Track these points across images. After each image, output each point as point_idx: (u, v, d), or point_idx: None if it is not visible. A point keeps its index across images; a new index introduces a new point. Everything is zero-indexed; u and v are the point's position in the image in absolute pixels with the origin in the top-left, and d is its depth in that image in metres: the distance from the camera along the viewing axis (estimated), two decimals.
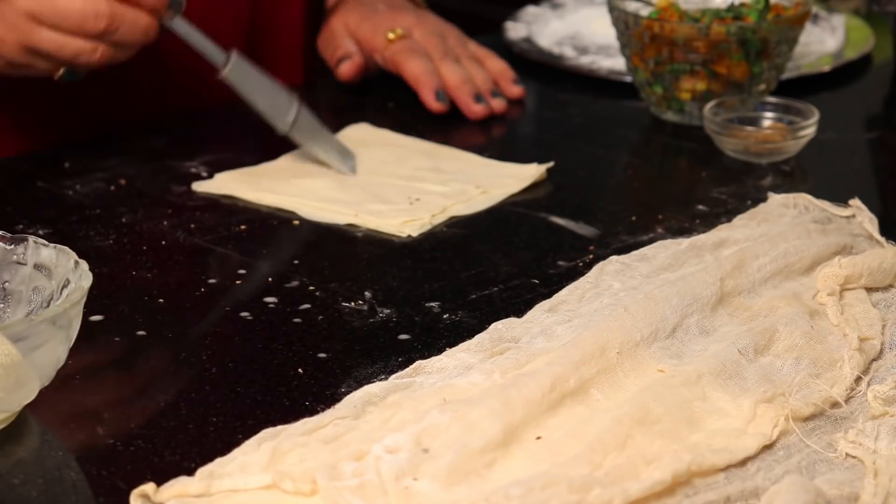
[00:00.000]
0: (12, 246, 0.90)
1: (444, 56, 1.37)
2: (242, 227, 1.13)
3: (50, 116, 1.34)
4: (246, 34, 1.41)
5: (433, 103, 1.34)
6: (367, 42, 1.40)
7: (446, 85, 1.35)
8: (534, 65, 1.48)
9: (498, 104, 1.36)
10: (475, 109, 1.34)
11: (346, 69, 1.40)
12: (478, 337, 0.92)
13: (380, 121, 1.33)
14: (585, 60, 1.49)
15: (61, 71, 1.18)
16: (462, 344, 0.92)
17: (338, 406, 0.84)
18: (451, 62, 1.37)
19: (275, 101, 1.22)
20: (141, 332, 0.96)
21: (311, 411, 0.85)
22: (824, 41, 1.54)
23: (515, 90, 1.39)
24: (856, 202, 1.10)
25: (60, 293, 0.87)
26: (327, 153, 1.22)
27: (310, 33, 1.48)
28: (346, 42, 1.42)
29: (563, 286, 0.99)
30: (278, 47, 1.45)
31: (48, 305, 0.87)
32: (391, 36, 1.39)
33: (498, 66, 1.40)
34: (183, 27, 1.19)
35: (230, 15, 1.39)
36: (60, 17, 1.13)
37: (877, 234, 1.06)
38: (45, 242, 0.89)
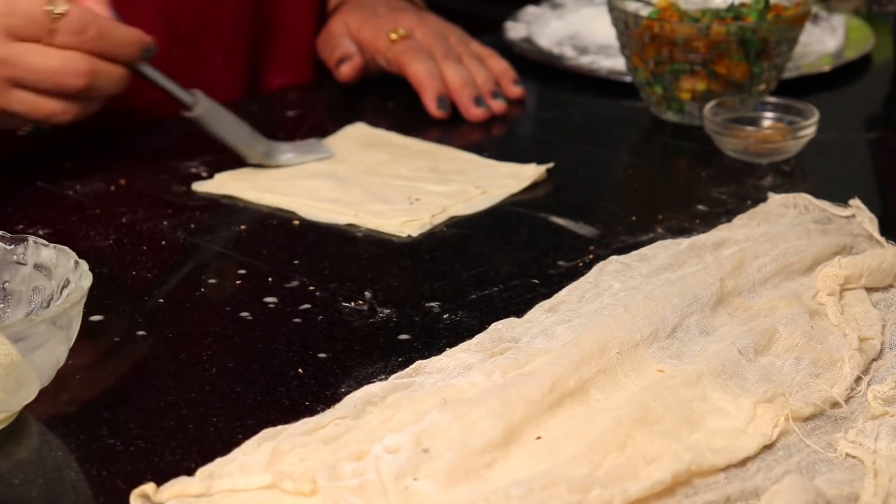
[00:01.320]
0: (12, 246, 0.90)
1: (446, 56, 1.37)
2: (242, 227, 1.13)
3: None
4: (247, 31, 1.41)
5: (435, 111, 1.34)
6: (369, 44, 1.40)
7: (448, 86, 1.35)
8: (534, 65, 1.48)
9: (498, 106, 1.36)
10: (475, 113, 1.34)
11: (346, 70, 1.40)
12: (478, 337, 0.92)
13: (379, 121, 1.33)
14: (585, 60, 1.50)
15: (28, 127, 1.16)
16: (462, 344, 0.92)
17: (338, 406, 0.84)
18: (452, 62, 1.37)
19: (242, 136, 1.21)
20: (141, 332, 0.96)
21: (311, 411, 0.85)
22: (824, 41, 1.54)
23: (515, 91, 1.39)
24: (856, 202, 1.10)
25: (60, 293, 0.87)
26: (304, 158, 1.24)
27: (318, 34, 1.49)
28: (345, 42, 1.42)
29: (563, 286, 0.99)
30: (286, 46, 1.45)
31: (48, 305, 0.87)
32: (393, 37, 1.39)
33: (500, 65, 1.41)
34: (150, 71, 1.18)
35: (229, 8, 1.38)
36: (40, 78, 1.10)
37: (877, 234, 1.06)
38: (45, 242, 0.89)
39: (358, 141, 1.29)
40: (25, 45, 1.10)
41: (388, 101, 1.39)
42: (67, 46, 1.10)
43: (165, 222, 1.13)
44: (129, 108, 1.33)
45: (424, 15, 1.44)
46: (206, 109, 1.20)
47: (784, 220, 1.08)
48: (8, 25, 1.09)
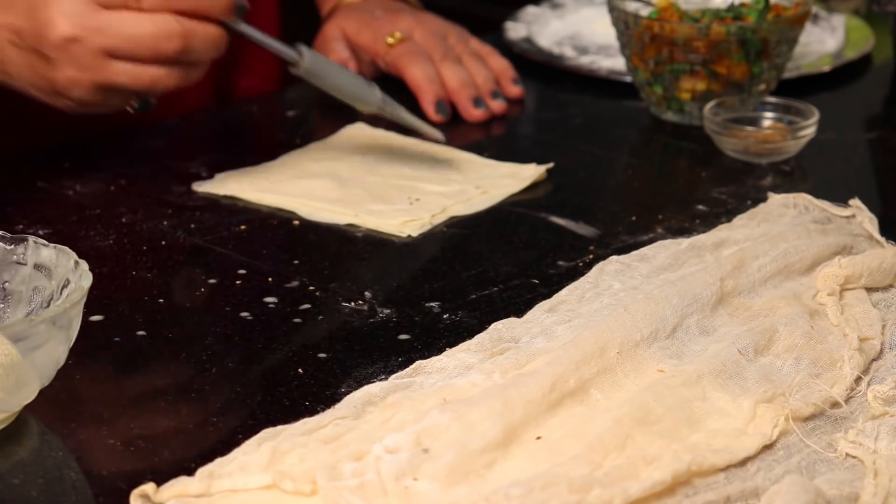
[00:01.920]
0: (12, 246, 0.90)
1: (445, 57, 1.37)
2: (242, 227, 1.13)
3: (50, 116, 1.34)
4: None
5: (433, 115, 1.34)
6: (368, 49, 1.40)
7: (446, 88, 1.35)
8: (534, 65, 1.48)
9: (498, 106, 1.36)
10: (474, 114, 1.34)
11: None
12: (478, 337, 0.92)
13: (379, 121, 1.33)
14: (585, 60, 1.50)
15: (135, 103, 1.13)
16: (462, 344, 0.92)
17: (338, 406, 0.84)
18: (451, 63, 1.37)
19: (356, 84, 1.19)
20: (141, 332, 0.96)
21: (311, 411, 0.85)
22: (824, 41, 1.54)
23: (515, 90, 1.39)
24: (856, 202, 1.10)
25: (60, 293, 0.87)
26: (415, 121, 1.22)
27: (283, 32, 1.49)
28: (337, 46, 1.42)
29: (563, 286, 0.99)
30: (251, 50, 1.46)
31: (48, 305, 0.87)
32: (390, 40, 1.39)
33: (500, 64, 1.41)
34: (250, 31, 1.14)
35: None
36: (134, 45, 1.07)
37: (877, 234, 1.06)
38: (45, 242, 0.89)
39: (358, 141, 1.29)
40: (114, 13, 1.07)
41: None
42: (156, 9, 1.07)
43: (165, 222, 1.13)
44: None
45: (422, 15, 1.44)
46: (311, 65, 1.16)
47: (784, 220, 1.08)
48: None
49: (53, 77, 1.09)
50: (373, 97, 1.19)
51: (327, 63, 1.19)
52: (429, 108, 1.34)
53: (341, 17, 1.43)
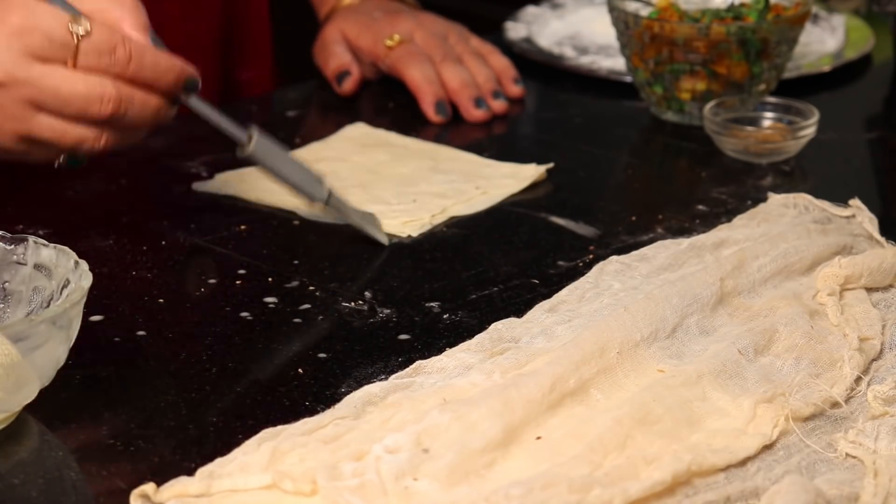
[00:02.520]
0: (12, 246, 0.90)
1: (445, 58, 1.37)
2: (242, 227, 1.13)
3: None
4: (220, 36, 1.42)
5: (433, 116, 1.34)
6: (368, 52, 1.40)
7: (447, 88, 1.35)
8: (534, 65, 1.48)
9: (499, 106, 1.36)
10: (475, 114, 1.34)
11: (347, 86, 1.40)
12: (478, 337, 0.92)
13: (379, 121, 1.33)
14: (585, 60, 1.50)
15: (61, 158, 1.06)
16: (462, 344, 0.92)
17: (338, 406, 0.84)
18: (451, 64, 1.37)
19: (304, 175, 1.11)
20: (141, 332, 0.96)
21: (311, 411, 0.85)
22: (824, 41, 1.54)
23: (516, 90, 1.39)
24: (856, 202, 1.10)
25: (60, 293, 0.87)
26: (362, 223, 1.11)
27: (275, 36, 1.50)
28: (338, 49, 1.41)
29: (563, 286, 0.99)
30: (249, 43, 1.47)
31: (48, 305, 0.87)
32: (390, 43, 1.39)
33: (501, 63, 1.41)
34: (199, 105, 1.08)
35: (204, 26, 1.39)
36: (62, 102, 1.01)
37: (877, 234, 1.06)
38: (45, 242, 0.89)
39: (358, 141, 1.29)
40: (48, 66, 1.00)
41: (387, 101, 1.39)
42: (93, 70, 1.01)
43: (165, 222, 1.13)
44: None
45: (421, 16, 1.43)
46: (257, 149, 1.08)
47: (784, 220, 1.08)
48: (28, 45, 1.00)
49: None
50: (319, 193, 1.10)
51: (277, 151, 1.10)
52: (429, 109, 1.34)
53: (341, 20, 1.43)
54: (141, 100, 1.03)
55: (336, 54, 1.41)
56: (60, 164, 1.06)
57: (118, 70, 1.01)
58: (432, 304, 1.00)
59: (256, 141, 1.08)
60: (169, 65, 1.04)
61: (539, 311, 0.96)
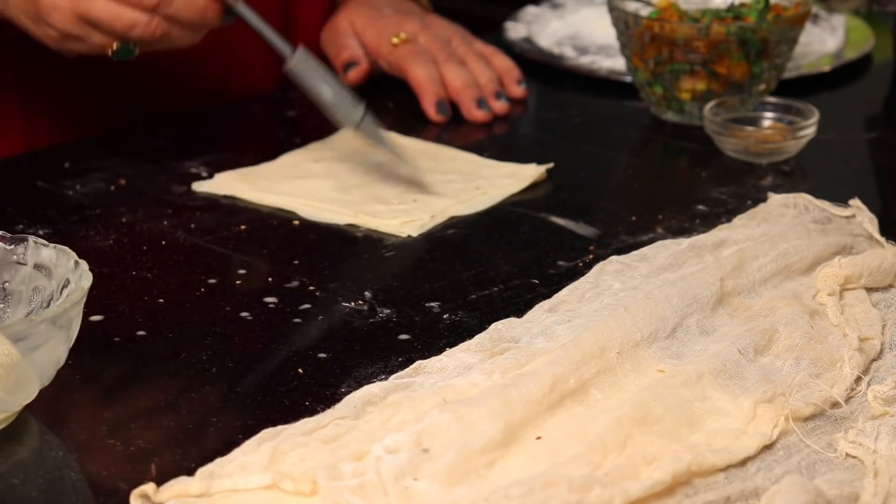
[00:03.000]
0: (12, 246, 0.90)
1: (448, 58, 1.37)
2: (242, 227, 1.13)
3: (49, 116, 1.34)
4: (276, 26, 1.42)
5: (433, 115, 1.34)
6: (372, 47, 1.40)
7: (449, 88, 1.35)
8: (534, 65, 1.48)
9: (500, 107, 1.36)
10: (477, 115, 1.34)
11: (353, 75, 1.40)
12: (478, 337, 0.92)
13: (379, 121, 1.33)
14: (585, 60, 1.50)
15: (115, 46, 1.15)
16: (462, 344, 0.92)
17: (338, 406, 0.84)
18: (454, 64, 1.37)
19: (341, 97, 1.18)
20: (141, 332, 0.96)
21: (311, 411, 0.85)
22: (824, 41, 1.54)
23: (518, 91, 1.39)
24: (856, 202, 1.10)
25: (60, 293, 0.87)
26: (394, 152, 1.20)
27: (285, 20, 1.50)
28: (351, 42, 1.42)
29: (563, 286, 0.99)
30: (304, 40, 1.46)
31: (48, 305, 0.87)
32: (395, 41, 1.39)
33: (504, 64, 1.41)
34: (247, 13, 1.15)
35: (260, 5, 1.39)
36: None
37: (877, 234, 1.06)
38: (45, 242, 0.89)
39: (358, 141, 1.29)
40: None
41: (388, 101, 1.39)
42: None
43: (165, 222, 1.13)
44: (142, 103, 1.34)
45: (428, 18, 1.43)
46: (297, 65, 1.17)
47: (784, 220, 1.08)
48: None
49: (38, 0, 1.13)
50: (353, 114, 1.18)
51: (317, 69, 1.18)
52: (430, 108, 1.34)
53: (352, 10, 1.43)
54: None
55: (348, 47, 1.42)
56: (114, 52, 1.15)
57: None
58: (432, 304, 1.00)
59: (298, 56, 1.16)
60: None
61: (539, 311, 0.96)
